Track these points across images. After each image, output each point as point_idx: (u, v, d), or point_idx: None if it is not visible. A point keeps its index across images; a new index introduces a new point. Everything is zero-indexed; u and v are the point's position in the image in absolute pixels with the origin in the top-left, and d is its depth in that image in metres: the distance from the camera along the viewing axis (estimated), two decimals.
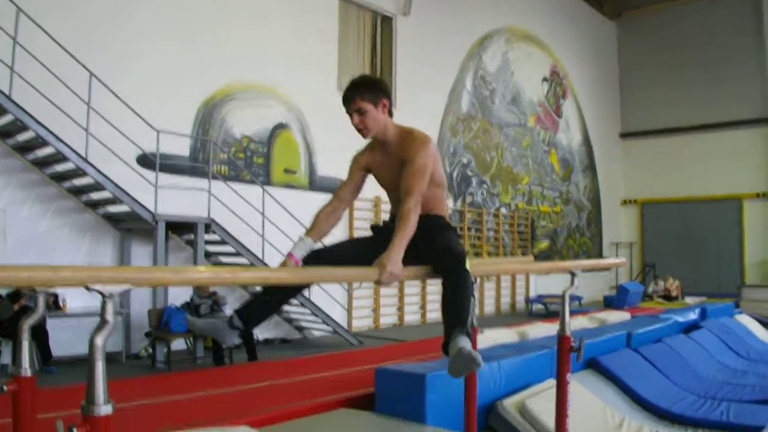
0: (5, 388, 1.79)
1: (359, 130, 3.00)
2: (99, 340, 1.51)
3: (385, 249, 2.82)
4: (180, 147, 10.01)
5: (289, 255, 2.89)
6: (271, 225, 10.25)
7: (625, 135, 23.49)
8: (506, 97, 17.91)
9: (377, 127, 3.00)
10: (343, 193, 3.20)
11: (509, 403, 5.22)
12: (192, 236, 9.37)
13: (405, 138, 3.02)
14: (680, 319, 9.89)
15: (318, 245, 3.05)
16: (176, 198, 9.26)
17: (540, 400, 5.25)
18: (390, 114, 3.08)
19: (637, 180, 22.97)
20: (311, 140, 12.22)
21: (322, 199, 11.33)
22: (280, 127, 11.73)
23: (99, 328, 1.53)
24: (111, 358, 8.45)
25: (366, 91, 2.97)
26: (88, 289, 1.54)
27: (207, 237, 9.36)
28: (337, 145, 12.30)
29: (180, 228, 9.38)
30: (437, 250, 2.87)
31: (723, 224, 21.24)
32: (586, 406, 5.51)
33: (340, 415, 5.11)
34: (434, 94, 15.22)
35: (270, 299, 3.01)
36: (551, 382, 5.76)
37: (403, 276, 2.68)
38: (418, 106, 13.58)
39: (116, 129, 8.42)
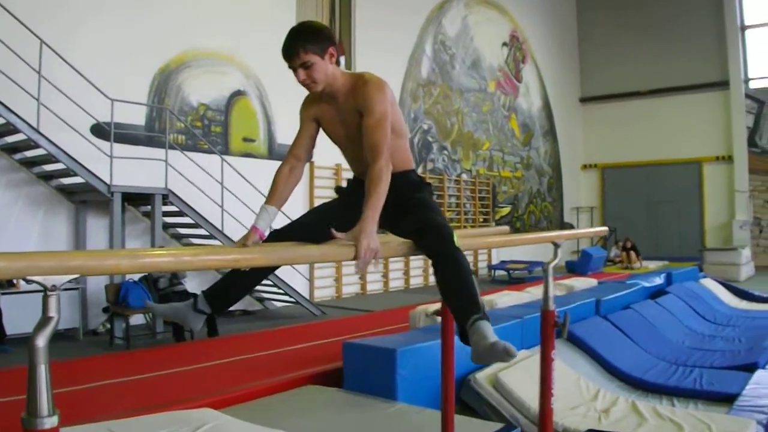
0: None
1: (306, 86, 2.67)
2: (40, 341, 1.30)
3: (357, 212, 2.56)
4: (135, 116, 9.69)
5: (254, 228, 2.59)
6: (230, 195, 10.00)
7: (584, 99, 23.52)
8: (466, 62, 17.73)
9: (325, 79, 2.66)
10: (297, 149, 2.86)
11: (482, 377, 5.12)
12: (149, 208, 9.08)
13: (356, 85, 2.70)
14: (646, 284, 9.93)
15: (276, 223, 2.76)
16: (132, 169, 8.93)
17: (513, 372, 5.17)
18: (337, 63, 2.76)
19: (597, 144, 23.04)
20: (270, 108, 11.95)
21: None
22: (237, 94, 11.43)
23: (40, 326, 1.32)
24: (68, 335, 8.20)
25: (310, 42, 2.61)
26: (27, 281, 1.34)
27: (165, 208, 9.08)
28: (297, 113, 12.09)
29: (136, 200, 9.10)
30: (418, 226, 2.59)
31: (683, 188, 21.44)
32: (561, 377, 5.40)
33: (307, 392, 4.97)
34: (394, 59, 14.97)
35: (239, 281, 2.78)
36: (523, 354, 5.70)
37: (382, 253, 2.39)
38: (377, 71, 13.05)
39: (69, 98, 8.09)
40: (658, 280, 10.68)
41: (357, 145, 2.71)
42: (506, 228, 3.65)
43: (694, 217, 21.29)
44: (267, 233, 2.63)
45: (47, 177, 8.77)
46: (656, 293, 9.72)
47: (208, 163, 10.01)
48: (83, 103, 8.33)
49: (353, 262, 2.32)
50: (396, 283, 14.57)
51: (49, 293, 1.35)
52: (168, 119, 9.86)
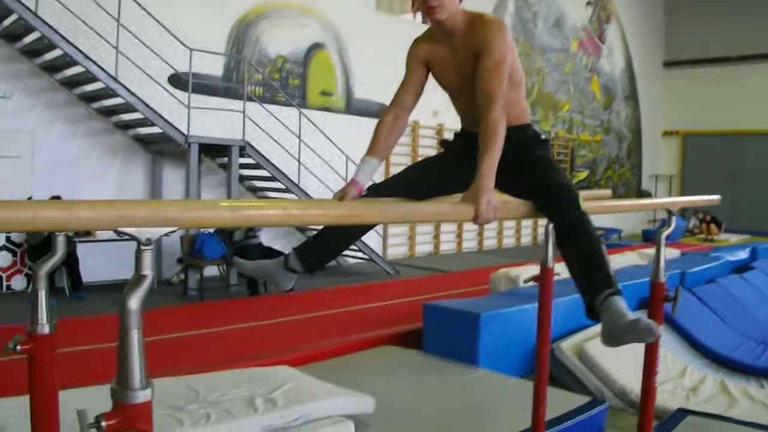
0: (19, 348, 1.43)
1: (429, 9, 2.34)
2: (133, 303, 1.12)
3: (468, 169, 2.33)
4: (213, 67, 9.59)
5: (353, 181, 2.31)
6: (307, 149, 9.88)
7: (669, 63, 22.56)
8: (549, 21, 17.15)
9: (452, 9, 2.36)
10: (403, 96, 2.56)
11: (567, 346, 4.89)
12: (225, 160, 9.02)
13: (475, 24, 2.40)
14: (730, 258, 9.51)
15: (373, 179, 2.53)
16: (209, 120, 8.87)
17: (599, 343, 4.92)
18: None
19: (680, 111, 22.13)
20: (348, 62, 11.72)
21: (360, 123, 10.98)
22: (316, 47, 11.23)
23: (133, 285, 1.14)
24: None
25: None
26: (117, 233, 1.17)
27: (241, 161, 9.02)
28: (376, 67, 11.88)
29: (213, 151, 9.03)
30: (540, 186, 2.33)
31: (766, 160, 20.45)
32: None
33: (385, 352, 4.83)
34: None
35: (334, 238, 2.54)
36: None
37: (502, 211, 2.13)
38: None
39: (147, 47, 8.03)
40: (743, 254, 10.24)
41: (470, 92, 2.43)
42: (608, 192, 3.41)
43: None
44: (366, 187, 2.44)
45: (125, 126, 8.79)
46: (740, 268, 9.32)
47: (286, 116, 9.88)
48: (161, 52, 8.27)
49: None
50: (469, 243, 14.32)
51: (143, 248, 1.17)
52: (246, 70, 9.73)
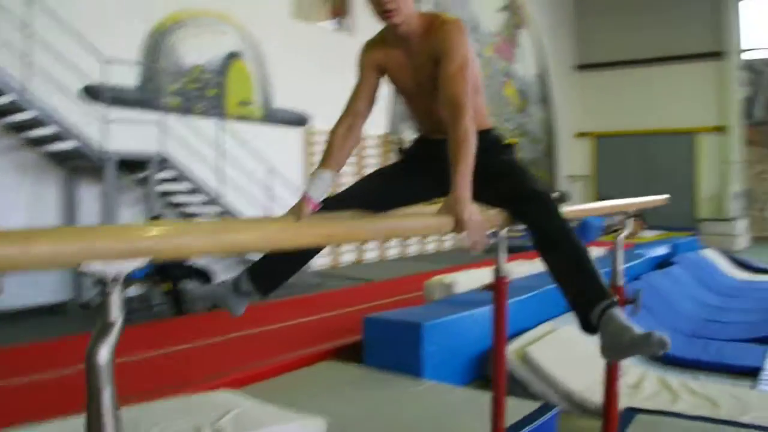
0: None
1: (386, 12, 2.23)
2: (102, 357, 0.94)
3: (429, 179, 2.30)
4: (128, 78, 9.22)
5: (306, 198, 2.22)
6: (227, 160, 9.62)
7: (580, 67, 23.11)
8: None
9: (408, 11, 2.25)
10: (357, 103, 2.43)
11: (510, 352, 4.83)
12: (143, 174, 8.70)
13: (433, 26, 2.31)
14: (653, 254, 9.75)
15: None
16: (125, 133, 8.52)
17: (541, 347, 4.91)
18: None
19: (592, 112, 22.69)
20: (266, 70, 11.51)
21: (279, 132, 10.78)
22: (233, 56, 10.98)
23: (99, 334, 0.97)
24: (57, 310, 7.84)
25: None
26: (80, 272, 0.99)
27: (160, 175, 8.70)
28: (294, 76, 11.72)
29: (130, 166, 8.68)
30: (514, 193, 2.22)
31: (677, 158, 21.18)
32: (585, 351, 5.18)
33: (327, 368, 4.67)
34: None
35: (289, 255, 2.33)
36: (548, 327, 5.46)
37: (484, 223, 2.03)
38: (376, 32, 12.89)
39: (59, 58, 7.67)
40: (663, 250, 10.51)
41: (429, 97, 2.34)
42: (555, 194, 3.38)
43: (687, 187, 21.04)
44: (319, 199, 2.29)
45: (35, 142, 8.31)
46: (662, 263, 9.56)
47: (203, 127, 9.62)
48: (73, 62, 7.92)
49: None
50: (393, 251, 14.28)
51: (110, 287, 1.02)
52: (163, 81, 9.42)
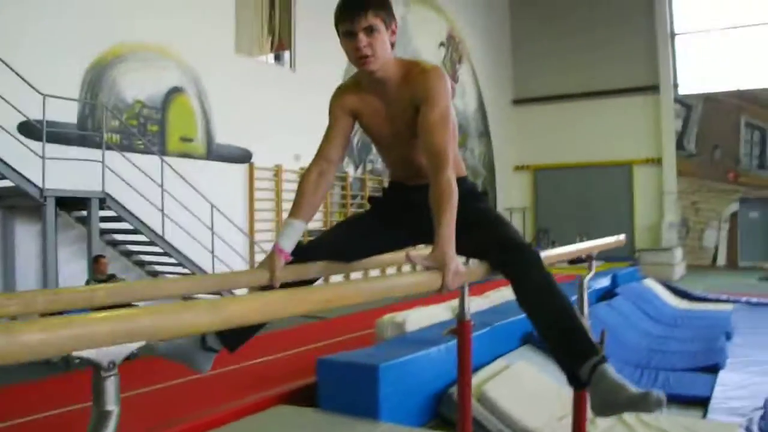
0: None
1: (362, 58, 2.16)
2: None
3: (403, 229, 2.28)
4: (67, 114, 8.98)
5: (277, 249, 2.18)
6: (170, 198, 9.43)
7: (517, 101, 23.55)
8: None
9: (384, 56, 2.18)
10: (328, 149, 2.38)
11: None
12: (84, 213, 8.47)
13: (412, 74, 2.26)
14: (596, 286, 9.85)
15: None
16: (63, 171, 8.27)
17: (497, 385, 4.89)
18: (393, 45, 2.29)
19: (530, 146, 23.10)
20: (208, 105, 11.38)
21: (222, 168, 10.61)
22: (175, 91, 10.83)
23: (97, 424, 0.91)
24: None
25: (381, 6, 2.16)
26: (70, 359, 0.92)
27: (101, 213, 8.47)
28: (236, 111, 11.62)
29: (70, 204, 8.46)
30: (493, 243, 2.18)
31: (614, 189, 21.71)
32: (539, 386, 5.20)
33: (279, 414, 4.54)
34: (335, 58, 14.45)
35: None
36: (502, 363, 5.45)
37: (468, 276, 2.03)
38: (317, 71, 12.92)
39: None
40: (605, 282, 10.65)
41: (406, 145, 2.32)
42: None
43: (625, 217, 21.52)
44: (290, 250, 2.24)
45: None
46: (606, 295, 9.69)
47: (144, 164, 9.42)
48: (10, 98, 7.65)
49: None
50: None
51: (105, 375, 0.95)
52: (104, 116, 9.21)
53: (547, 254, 2.55)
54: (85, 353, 0.93)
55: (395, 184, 2.54)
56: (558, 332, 2.07)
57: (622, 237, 3.55)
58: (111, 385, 0.95)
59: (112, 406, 0.95)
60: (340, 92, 2.42)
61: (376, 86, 2.31)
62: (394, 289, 1.83)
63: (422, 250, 2.13)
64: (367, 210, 2.63)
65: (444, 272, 1.91)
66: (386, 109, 2.34)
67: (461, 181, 2.36)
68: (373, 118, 2.38)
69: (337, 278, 7.49)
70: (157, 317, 1.04)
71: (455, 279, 1.92)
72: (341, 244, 2.39)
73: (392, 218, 2.44)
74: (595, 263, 2.98)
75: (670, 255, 17.40)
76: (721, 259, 20.53)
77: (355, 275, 2.83)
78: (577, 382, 2.03)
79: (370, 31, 2.13)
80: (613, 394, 1.89)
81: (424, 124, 2.19)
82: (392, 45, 2.25)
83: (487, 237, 2.23)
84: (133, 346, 0.98)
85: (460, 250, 2.13)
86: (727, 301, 10.82)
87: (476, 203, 2.40)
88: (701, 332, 8.19)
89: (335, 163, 2.41)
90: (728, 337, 7.79)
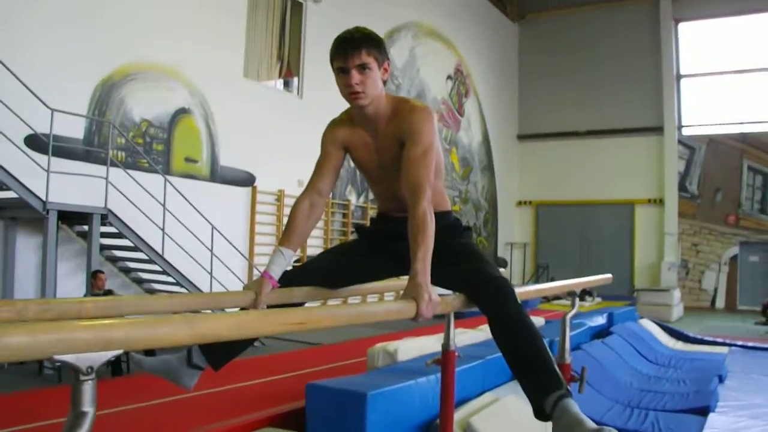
0: None
1: (353, 94, 2.27)
2: None
3: (387, 259, 2.35)
4: (74, 129, 9.10)
5: (266, 274, 2.28)
6: (171, 217, 9.50)
7: (522, 137, 23.68)
8: (411, 93, 17.59)
9: (375, 93, 2.29)
10: (319, 181, 2.47)
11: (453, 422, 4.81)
12: (85, 228, 8.53)
13: (401, 110, 2.36)
14: (591, 324, 9.84)
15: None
16: (67, 185, 8.36)
17: (484, 418, 4.89)
18: (385, 83, 2.39)
19: (533, 182, 23.20)
20: (214, 128, 11.49)
21: (224, 191, 10.66)
22: (182, 112, 10.94)
23: (72, 424, 0.97)
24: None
25: (375, 44, 2.27)
26: (53, 361, 0.98)
27: (102, 229, 8.54)
28: (242, 135, 11.73)
29: (71, 218, 8.53)
30: (470, 278, 2.24)
31: (615, 228, 21.74)
32: (528, 421, 5.19)
33: None
34: None
35: None
36: (490, 397, 5.46)
37: (444, 306, 2.08)
38: (325, 98, 12.94)
39: (4, 104, 7.53)
40: (601, 320, 10.63)
41: (392, 179, 2.39)
42: (501, 269, 3.45)
43: (625, 257, 21.58)
44: (278, 276, 2.31)
45: None
46: (600, 333, 9.68)
47: (148, 182, 9.50)
48: (19, 111, 7.76)
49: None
50: None
51: (83, 378, 1.01)
52: (111, 134, 9.31)
53: (526, 289, 2.60)
54: (66, 357, 0.98)
55: (381, 215, 2.62)
56: (526, 365, 2.13)
57: (608, 276, 3.59)
58: (88, 389, 1.01)
59: (88, 407, 1.01)
60: (332, 126, 2.52)
61: (366, 121, 2.41)
62: (368, 316, 1.88)
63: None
64: (354, 239, 2.72)
65: (418, 301, 1.97)
66: (375, 143, 2.44)
67: (444, 215, 2.45)
68: (363, 152, 2.48)
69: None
70: (133, 329, 1.10)
71: (429, 308, 1.98)
72: (328, 272, 2.48)
73: (377, 248, 2.51)
74: (577, 300, 3.01)
75: (669, 296, 17.41)
76: (720, 302, 20.51)
77: (334, 301, 2.89)
78: (541, 413, 2.08)
79: (362, 68, 2.24)
80: (571, 428, 1.96)
81: (406, 159, 2.29)
82: (384, 82, 2.35)
83: (464, 271, 2.30)
84: (111, 354, 1.03)
85: (438, 282, 2.21)
86: (722, 344, 10.80)
87: (457, 238, 2.47)
88: (694, 374, 8.19)
89: (325, 195, 2.50)
90: (721, 379, 7.78)
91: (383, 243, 2.48)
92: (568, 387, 2.08)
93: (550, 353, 2.13)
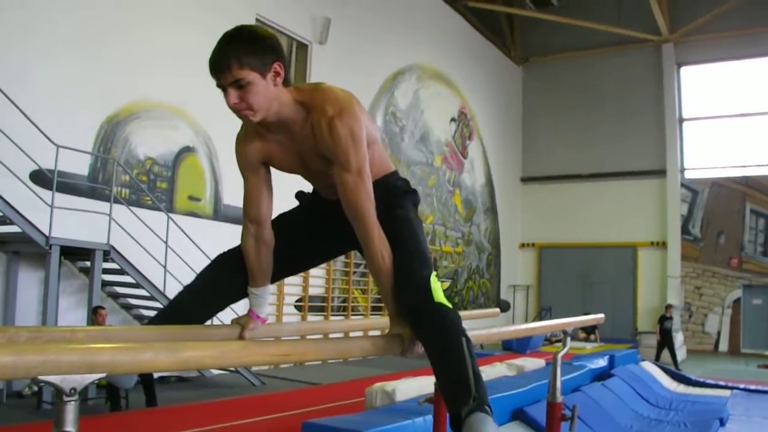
0: None
1: (238, 113, 2.03)
2: None
3: (329, 239, 2.34)
4: (79, 166, 9.18)
5: (251, 313, 2.30)
6: (173, 255, 9.54)
7: (525, 179, 23.77)
8: (415, 135, 17.72)
9: (267, 106, 2.03)
10: (251, 210, 2.31)
11: None
12: (87, 263, 8.58)
13: (313, 103, 2.09)
14: (592, 366, 9.80)
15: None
16: (71, 221, 8.42)
17: None
18: (286, 81, 2.07)
19: (536, 224, 23.23)
20: (218, 167, 11.57)
21: (228, 229, 10.65)
22: (186, 150, 11.04)
23: None
24: None
25: (248, 53, 1.96)
26: (37, 381, 1.02)
27: (104, 265, 8.58)
28: None
29: (74, 254, 8.57)
30: (396, 261, 2.08)
31: (618, 271, 21.70)
32: None
33: None
34: None
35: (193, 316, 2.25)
36: None
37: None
38: None
39: (10, 140, 7.62)
40: (602, 362, 10.59)
41: (322, 174, 2.23)
42: (497, 310, 3.48)
43: (628, 299, 21.52)
44: (265, 313, 2.33)
45: None
46: (601, 375, 9.63)
47: (151, 220, 9.56)
48: (24, 146, 7.83)
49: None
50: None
51: (66, 399, 1.03)
52: (115, 171, 9.39)
53: (516, 328, 2.63)
54: (50, 378, 1.01)
55: (317, 195, 2.50)
56: (440, 372, 1.97)
57: (600, 316, 3.60)
58: (71, 409, 1.03)
59: (70, 427, 1.03)
60: (241, 145, 2.30)
61: (277, 128, 2.18)
62: (355, 350, 1.88)
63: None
64: (297, 211, 2.58)
65: (404, 337, 1.97)
66: (294, 146, 2.22)
67: (386, 179, 2.35)
68: (283, 161, 2.29)
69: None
70: (118, 353, 1.13)
71: (416, 344, 1.96)
72: (278, 246, 2.38)
73: (318, 230, 2.44)
74: (568, 339, 3.03)
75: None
76: (723, 345, 20.38)
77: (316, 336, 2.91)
78: (455, 425, 1.88)
79: (239, 85, 1.99)
80: None
81: (340, 186, 2.10)
82: (286, 81, 2.09)
83: (397, 261, 2.12)
84: (95, 377, 1.06)
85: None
86: (725, 387, 10.74)
87: (397, 207, 2.31)
88: (695, 417, 8.15)
89: (266, 219, 2.34)
90: (722, 422, 7.74)
91: (322, 222, 2.40)
92: (485, 399, 1.86)
93: (470, 361, 1.91)
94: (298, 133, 2.16)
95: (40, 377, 1.01)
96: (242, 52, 1.96)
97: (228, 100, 2.00)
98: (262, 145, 2.24)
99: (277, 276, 2.41)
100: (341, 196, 2.10)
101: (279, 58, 2.03)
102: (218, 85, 2.02)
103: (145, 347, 1.20)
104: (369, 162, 2.14)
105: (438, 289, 2.05)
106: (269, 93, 2.02)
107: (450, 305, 2.03)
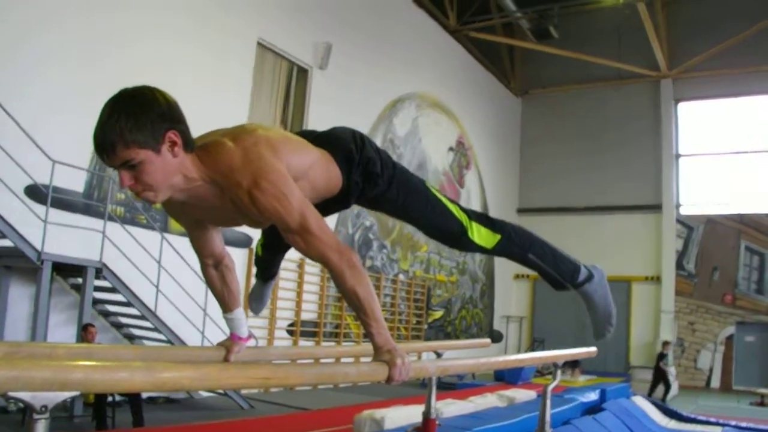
0: None
1: (137, 196, 1.82)
2: None
3: None
4: (74, 182, 9.16)
5: (233, 336, 2.33)
6: (166, 275, 9.50)
7: (521, 210, 23.77)
8: (413, 163, 17.71)
9: (168, 182, 1.81)
10: (200, 247, 2.25)
11: None
12: (79, 280, 8.54)
13: (221, 173, 1.88)
14: (583, 399, 9.77)
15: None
16: (64, 237, 8.39)
17: None
18: (187, 146, 1.84)
19: None
20: None
21: None
22: None
23: None
24: None
25: (133, 128, 1.71)
26: (6, 398, 1.00)
27: (96, 283, 8.54)
28: None
29: (66, 270, 8.53)
30: (423, 225, 2.52)
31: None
32: None
33: None
34: None
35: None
36: None
37: (417, 372, 2.05)
38: None
39: (7, 154, 7.61)
40: (593, 396, 10.56)
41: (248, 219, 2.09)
42: (488, 341, 3.47)
43: (621, 333, 21.38)
44: (246, 332, 2.34)
45: None
46: (592, 409, 9.60)
47: (144, 239, 9.53)
48: (20, 161, 7.82)
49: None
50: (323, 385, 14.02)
51: (37, 417, 1.02)
52: (110, 188, 9.38)
53: (506, 359, 2.61)
54: (21, 395, 1.00)
55: None
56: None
57: (593, 349, 3.59)
58: (40, 428, 1.01)
59: None
60: (168, 206, 2.18)
61: (194, 200, 2.01)
62: (339, 376, 1.87)
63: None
64: None
65: (390, 364, 1.94)
66: (222, 213, 2.07)
67: (345, 189, 2.35)
68: (218, 222, 2.21)
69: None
70: (92, 372, 1.10)
71: (402, 372, 1.93)
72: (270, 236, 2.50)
73: None
74: (559, 371, 3.02)
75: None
76: (715, 382, 20.31)
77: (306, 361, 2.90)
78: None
79: (130, 166, 1.76)
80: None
81: (294, 246, 2.00)
82: (188, 146, 1.86)
83: (421, 223, 2.64)
84: (67, 395, 1.04)
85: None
86: (716, 423, 10.68)
87: (384, 194, 2.57)
88: None
89: (219, 253, 2.31)
90: None
91: None
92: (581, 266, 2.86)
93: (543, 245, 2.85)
94: (218, 205, 1.99)
95: (10, 393, 0.99)
96: (125, 129, 1.71)
97: (121, 184, 1.78)
98: (189, 208, 2.10)
99: (278, 258, 2.71)
100: (302, 252, 1.99)
101: (173, 124, 1.79)
102: (108, 166, 1.81)
103: (121, 366, 1.18)
104: (312, 188, 2.09)
105: (473, 229, 2.63)
106: (168, 167, 1.80)
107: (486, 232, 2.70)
